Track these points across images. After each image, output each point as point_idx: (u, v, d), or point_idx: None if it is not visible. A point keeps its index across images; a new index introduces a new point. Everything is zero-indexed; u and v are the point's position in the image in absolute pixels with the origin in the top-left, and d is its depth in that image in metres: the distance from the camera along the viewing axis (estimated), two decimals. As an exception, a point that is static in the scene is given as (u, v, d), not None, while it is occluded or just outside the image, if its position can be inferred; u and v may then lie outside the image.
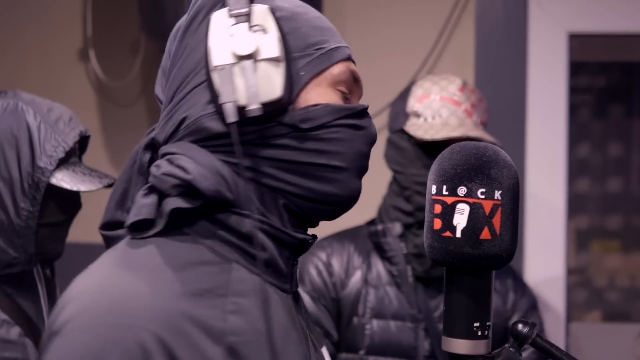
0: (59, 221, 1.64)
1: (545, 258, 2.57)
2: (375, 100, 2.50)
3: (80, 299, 0.96)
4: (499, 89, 2.54)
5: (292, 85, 1.05)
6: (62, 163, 1.60)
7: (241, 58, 1.02)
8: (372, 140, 1.11)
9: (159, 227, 1.01)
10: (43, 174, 1.57)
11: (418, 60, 2.57)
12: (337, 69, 1.08)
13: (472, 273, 0.98)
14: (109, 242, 1.08)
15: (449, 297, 1.00)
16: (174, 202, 1.01)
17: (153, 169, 1.04)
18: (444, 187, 0.97)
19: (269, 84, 1.03)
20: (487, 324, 0.99)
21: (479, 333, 0.98)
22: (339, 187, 1.07)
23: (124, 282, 0.96)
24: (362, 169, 1.10)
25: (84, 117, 2.71)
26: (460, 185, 0.96)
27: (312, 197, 1.06)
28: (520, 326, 1.00)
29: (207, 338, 0.96)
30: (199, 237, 1.03)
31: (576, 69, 2.73)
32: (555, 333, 2.54)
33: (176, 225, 1.03)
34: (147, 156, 1.09)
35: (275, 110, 1.03)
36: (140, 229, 1.02)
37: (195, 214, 1.03)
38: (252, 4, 1.05)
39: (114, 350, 0.91)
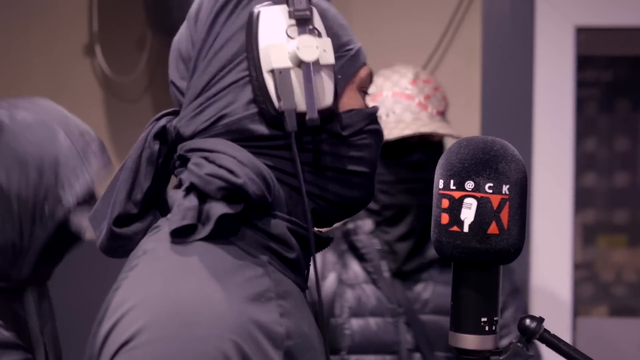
0: (62, 249, 1.61)
1: (551, 253, 2.56)
2: (382, 95, 2.49)
3: (146, 308, 0.92)
4: (506, 83, 2.53)
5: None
6: (83, 201, 1.56)
7: (302, 63, 0.99)
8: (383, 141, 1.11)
9: (204, 232, 0.97)
10: (62, 208, 1.51)
11: (424, 55, 2.56)
12: (364, 72, 1.07)
13: (479, 268, 0.98)
14: (121, 240, 1.04)
15: (456, 292, 0.99)
16: (220, 208, 0.96)
17: (192, 167, 0.99)
18: (452, 181, 0.97)
19: (324, 91, 1.01)
20: (495, 319, 0.98)
21: (487, 328, 0.98)
22: (360, 192, 1.08)
23: (189, 290, 0.92)
24: (376, 171, 1.10)
25: (89, 113, 2.72)
26: (467, 180, 0.96)
27: (337, 202, 1.06)
28: (527, 321, 1.00)
29: (270, 344, 0.93)
30: (234, 239, 0.99)
31: (583, 63, 2.72)
32: (562, 328, 2.54)
33: (218, 228, 0.98)
34: (157, 146, 1.05)
35: (324, 117, 1.02)
36: (182, 233, 0.98)
37: (234, 218, 0.99)
38: (311, 4, 1.01)
39: None
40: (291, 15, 1.00)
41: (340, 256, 2.03)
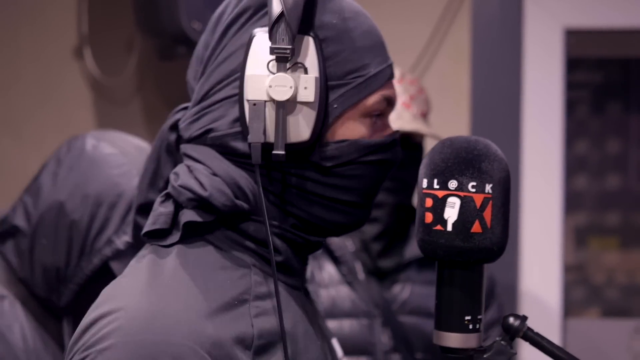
0: (101, 289, 1.59)
1: (541, 255, 2.57)
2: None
3: (117, 315, 0.96)
4: (495, 85, 2.53)
5: (323, 120, 1.03)
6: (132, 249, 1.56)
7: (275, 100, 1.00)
8: (393, 167, 1.10)
9: (175, 238, 1.03)
10: (110, 249, 1.52)
11: (413, 57, 2.57)
12: (372, 100, 1.06)
13: (463, 267, 0.98)
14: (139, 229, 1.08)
15: (440, 291, 1.00)
16: (188, 215, 1.02)
17: (172, 176, 1.04)
18: (435, 180, 0.97)
19: (300, 126, 1.01)
20: (479, 317, 0.99)
21: (470, 326, 0.98)
22: (347, 218, 1.08)
23: (158, 298, 0.97)
24: (375, 196, 1.10)
25: (78, 115, 2.72)
26: (451, 179, 0.96)
27: (319, 224, 1.07)
28: (511, 319, 1.00)
29: (237, 345, 0.96)
30: (218, 243, 1.04)
31: (573, 65, 2.72)
32: (551, 330, 2.54)
33: (197, 232, 1.03)
34: (173, 136, 1.08)
35: (301, 149, 1.02)
36: (157, 236, 1.04)
37: (214, 222, 1.03)
38: (298, 35, 1.00)
39: None
40: (271, 51, 1.00)
41: (314, 257, 2.02)
